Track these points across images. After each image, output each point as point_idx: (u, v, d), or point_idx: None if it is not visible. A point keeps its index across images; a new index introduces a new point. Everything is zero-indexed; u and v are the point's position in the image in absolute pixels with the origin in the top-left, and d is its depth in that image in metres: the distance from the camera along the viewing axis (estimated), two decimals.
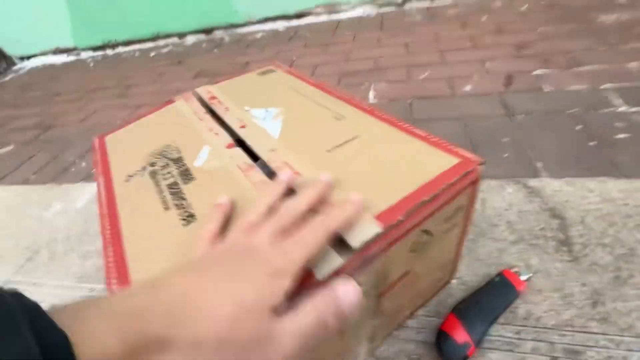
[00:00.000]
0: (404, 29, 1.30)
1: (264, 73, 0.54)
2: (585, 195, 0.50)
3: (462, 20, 1.25)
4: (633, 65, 0.77)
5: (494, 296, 0.39)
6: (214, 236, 0.24)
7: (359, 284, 0.25)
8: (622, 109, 0.65)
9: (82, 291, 0.54)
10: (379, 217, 0.24)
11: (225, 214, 0.26)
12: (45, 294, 0.55)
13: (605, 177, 0.52)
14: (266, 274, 0.19)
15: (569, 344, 0.35)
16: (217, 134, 0.39)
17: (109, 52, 1.95)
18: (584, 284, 0.40)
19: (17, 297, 0.13)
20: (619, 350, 0.34)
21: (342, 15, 1.62)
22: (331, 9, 1.65)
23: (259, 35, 1.62)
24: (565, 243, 0.44)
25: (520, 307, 0.39)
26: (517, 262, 0.43)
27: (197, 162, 0.35)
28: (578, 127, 0.63)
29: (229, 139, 0.38)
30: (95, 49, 2.00)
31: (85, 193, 0.76)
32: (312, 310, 0.19)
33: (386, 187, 0.27)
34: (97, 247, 0.61)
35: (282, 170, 0.30)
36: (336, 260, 0.22)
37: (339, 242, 0.23)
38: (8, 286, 0.55)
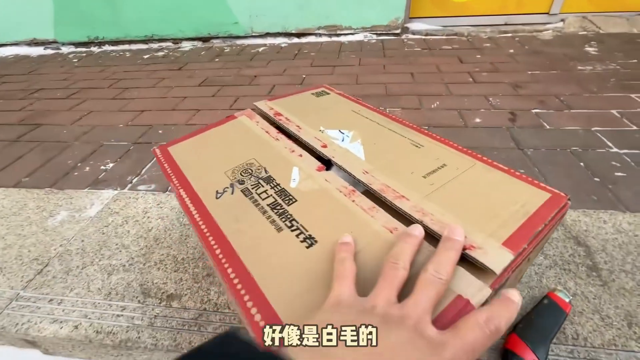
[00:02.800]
0: (405, 58, 1.38)
1: (318, 94, 0.56)
2: (601, 226, 0.56)
3: (458, 55, 1.36)
4: (614, 112, 0.89)
5: (547, 317, 0.42)
6: (353, 283, 0.24)
7: None
8: (614, 150, 0.75)
9: (112, 309, 0.50)
10: (506, 244, 0.27)
11: (353, 254, 0.26)
12: (68, 311, 0.50)
13: (614, 210, 0.59)
14: None
15: None
16: (300, 155, 0.40)
17: (94, 49, 1.84)
18: (617, 307, 0.45)
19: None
20: None
21: (343, 38, 1.69)
22: (332, 31, 1.71)
23: (261, 49, 1.63)
24: (594, 269, 0.50)
25: (568, 328, 0.43)
26: (556, 285, 0.48)
27: (292, 183, 0.36)
28: (581, 164, 0.71)
29: (316, 162, 0.38)
30: (77, 44, 1.89)
31: (96, 201, 0.71)
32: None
33: (497, 217, 0.29)
34: (123, 261, 0.57)
35: (414, 223, 0.29)
36: (486, 291, 0.24)
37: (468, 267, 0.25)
38: (18, 302, 0.49)
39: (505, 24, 1.68)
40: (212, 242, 0.30)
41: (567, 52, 1.31)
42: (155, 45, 1.82)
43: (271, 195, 0.34)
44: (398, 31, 1.67)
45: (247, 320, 0.24)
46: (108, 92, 1.27)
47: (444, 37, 1.63)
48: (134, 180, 0.77)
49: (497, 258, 0.26)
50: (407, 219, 0.30)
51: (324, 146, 0.41)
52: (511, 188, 0.33)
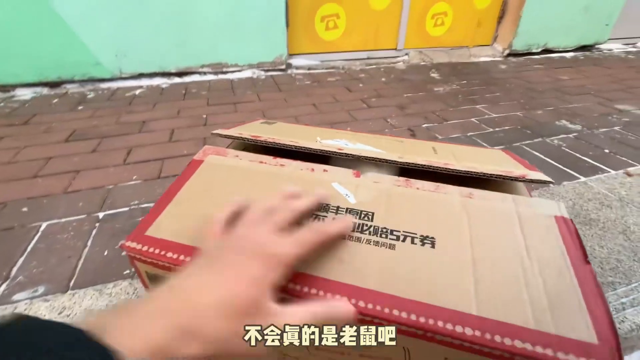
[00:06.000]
0: (301, 90, 1.45)
1: (269, 123, 0.51)
2: None
3: (345, 86, 1.53)
4: (474, 120, 1.15)
5: None
6: (224, 225, 0.26)
7: None
8: (487, 146, 0.96)
9: None
10: (531, 170, 0.33)
11: (239, 206, 0.28)
12: None
13: None
14: (261, 262, 0.22)
15: None
16: (325, 170, 0.35)
17: None
18: None
19: (60, 328, 0.15)
20: None
21: (231, 76, 1.65)
22: (218, 68, 1.65)
23: (137, 92, 1.42)
24: None
25: None
26: None
27: (350, 199, 0.31)
28: None
29: (347, 170, 0.34)
30: None
31: None
32: (308, 310, 0.22)
33: (509, 162, 0.37)
34: None
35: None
36: (562, 204, 0.30)
37: None
38: None
39: (369, 58, 1.99)
40: (353, 301, 0.24)
41: (422, 78, 1.65)
42: None
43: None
44: (283, 67, 1.75)
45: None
46: None
47: (325, 70, 1.80)
48: (1, 288, 0.52)
49: (541, 176, 0.32)
50: (464, 180, 0.33)
51: (340, 149, 0.37)
52: (488, 152, 0.43)
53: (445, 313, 0.23)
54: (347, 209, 0.30)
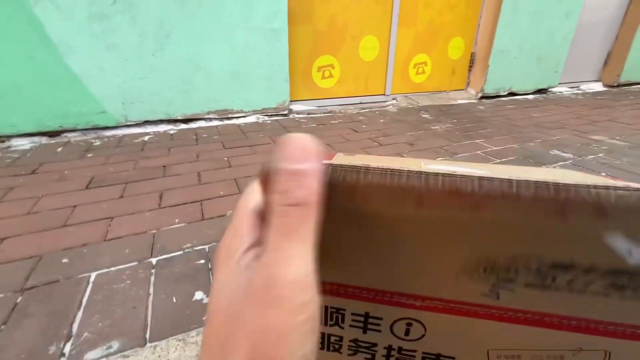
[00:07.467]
0: (309, 133, 1.51)
1: (350, 154, 0.53)
2: None
3: (349, 127, 1.61)
4: (479, 152, 1.26)
5: None
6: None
7: None
8: None
9: None
10: None
11: None
12: None
13: None
14: None
15: None
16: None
17: None
18: None
19: None
20: None
21: (237, 121, 1.69)
22: (224, 115, 1.69)
23: (146, 138, 1.40)
24: None
25: None
26: None
27: None
28: None
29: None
30: None
31: None
32: None
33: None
34: None
35: None
36: None
37: None
38: None
39: (361, 103, 2.14)
40: None
41: (415, 119, 1.79)
42: None
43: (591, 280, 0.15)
44: (286, 112, 1.82)
45: None
46: None
47: (323, 114, 1.90)
48: (66, 349, 0.45)
49: None
50: None
51: (455, 172, 0.33)
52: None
53: None
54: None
